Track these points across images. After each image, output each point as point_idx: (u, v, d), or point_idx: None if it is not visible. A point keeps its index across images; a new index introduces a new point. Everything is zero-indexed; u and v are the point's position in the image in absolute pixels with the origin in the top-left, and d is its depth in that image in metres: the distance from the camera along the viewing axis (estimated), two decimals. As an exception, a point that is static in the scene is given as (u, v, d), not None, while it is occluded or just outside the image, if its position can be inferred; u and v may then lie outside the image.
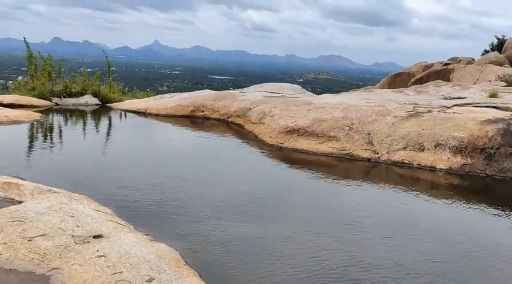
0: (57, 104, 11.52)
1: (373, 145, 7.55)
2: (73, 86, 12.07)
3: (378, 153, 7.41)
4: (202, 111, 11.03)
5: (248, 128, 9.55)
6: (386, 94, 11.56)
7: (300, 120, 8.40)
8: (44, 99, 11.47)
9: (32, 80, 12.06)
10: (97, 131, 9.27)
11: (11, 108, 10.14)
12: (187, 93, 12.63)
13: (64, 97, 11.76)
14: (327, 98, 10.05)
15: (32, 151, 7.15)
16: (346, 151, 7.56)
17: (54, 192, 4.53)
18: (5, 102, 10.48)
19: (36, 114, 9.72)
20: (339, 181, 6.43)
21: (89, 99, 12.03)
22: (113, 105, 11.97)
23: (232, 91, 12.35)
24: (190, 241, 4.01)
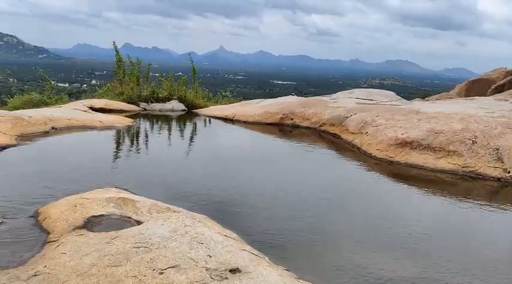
0: (144, 109, 11.39)
1: (503, 162, 6.58)
2: (160, 91, 11.91)
3: (510, 172, 6.45)
4: (292, 119, 10.45)
5: (346, 138, 8.83)
6: (496, 103, 10.40)
7: (412, 131, 7.57)
8: (132, 103, 11.38)
9: (120, 85, 12.02)
10: (192, 139, 8.89)
11: (101, 112, 10.08)
12: (272, 99, 12.11)
13: (151, 102, 11.61)
14: (438, 107, 9.12)
15: (132, 159, 6.87)
16: (470, 169, 6.65)
17: (174, 211, 4.07)
18: (95, 107, 10.44)
19: (129, 119, 9.56)
20: (471, 204, 5.56)
21: (175, 105, 11.81)
22: (199, 111, 11.67)
23: (320, 97, 11.67)
24: (340, 278, 3.39)
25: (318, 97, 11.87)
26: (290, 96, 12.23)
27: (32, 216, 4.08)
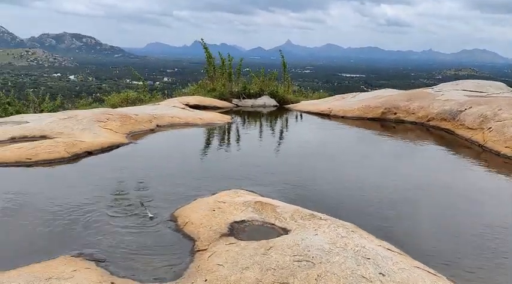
0: (236, 105, 11.20)
1: None
2: (251, 87, 11.67)
3: None
4: (395, 113, 9.78)
5: (462, 134, 8.06)
6: None
7: (549, 126, 6.70)
8: (224, 100, 11.23)
9: (211, 81, 11.93)
10: (298, 137, 8.48)
11: (196, 109, 9.99)
12: (370, 92, 11.48)
13: (243, 98, 11.40)
14: None
15: (245, 157, 6.61)
16: None
17: (321, 219, 3.69)
18: (190, 104, 10.38)
19: (227, 116, 9.38)
20: None
21: (267, 100, 11.53)
22: (292, 106, 11.31)
23: (424, 89, 10.87)
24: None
25: (421, 89, 11.06)
26: (390, 89, 11.50)
27: (169, 220, 3.88)
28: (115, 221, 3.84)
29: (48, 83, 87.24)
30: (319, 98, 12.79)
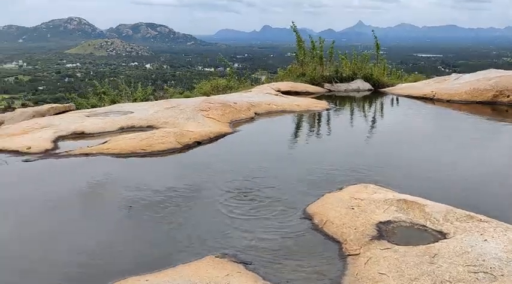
0: (329, 90, 10.76)
1: None
2: (343, 70, 11.16)
3: None
4: (508, 96, 8.89)
5: None
6: None
7: None
8: (315, 85, 10.83)
9: (301, 66, 11.56)
10: (401, 123, 7.92)
11: (288, 95, 9.69)
12: (474, 73, 10.54)
13: (335, 82, 10.94)
14: None
15: (362, 147, 6.21)
16: None
17: (481, 220, 3.25)
18: (282, 90, 10.10)
19: (323, 102, 9.00)
20: None
21: (361, 84, 10.98)
22: (388, 90, 10.67)
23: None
24: None
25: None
26: (495, 70, 10.50)
27: (304, 218, 3.61)
28: (245, 217, 3.64)
29: (126, 72, 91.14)
30: (415, 81, 12.01)
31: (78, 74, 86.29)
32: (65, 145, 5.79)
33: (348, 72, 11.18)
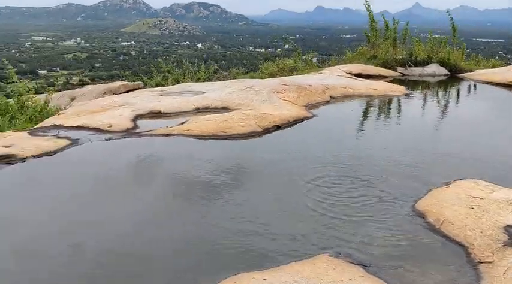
0: (402, 74, 10.21)
1: None
2: (418, 54, 10.54)
3: None
4: None
5: None
6: None
7: None
8: (388, 68, 10.30)
9: (372, 48, 11.02)
10: (491, 113, 7.32)
11: (359, 78, 9.25)
12: None
13: (409, 66, 10.35)
14: None
15: (444, 137, 5.79)
16: None
17: None
18: (353, 72, 9.66)
19: (401, 87, 8.50)
20: None
21: (436, 69, 10.34)
22: (467, 75, 9.98)
23: None
24: None
25: None
26: None
27: (415, 215, 3.29)
28: (347, 211, 3.37)
29: (178, 51, 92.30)
30: (493, 67, 11.21)
31: (133, 52, 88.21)
32: (143, 124, 5.71)
33: (423, 56, 10.54)
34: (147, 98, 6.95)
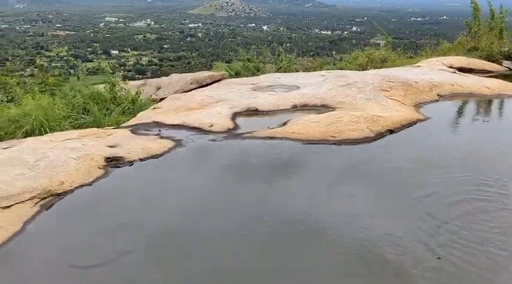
0: (509, 69, 9.23)
1: None
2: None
3: None
4: None
5: None
6: None
7: None
8: (493, 62, 9.35)
9: (472, 39, 10.07)
10: None
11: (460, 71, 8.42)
12: None
13: (518, 59, 9.35)
14: None
15: None
16: None
17: None
18: (455, 66, 8.84)
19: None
20: None
21: (549, 63, 9.26)
22: None
23: None
24: None
25: None
26: None
27: None
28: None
29: (244, 33, 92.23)
30: None
31: (199, 34, 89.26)
32: (242, 123, 5.39)
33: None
34: (241, 93, 6.63)
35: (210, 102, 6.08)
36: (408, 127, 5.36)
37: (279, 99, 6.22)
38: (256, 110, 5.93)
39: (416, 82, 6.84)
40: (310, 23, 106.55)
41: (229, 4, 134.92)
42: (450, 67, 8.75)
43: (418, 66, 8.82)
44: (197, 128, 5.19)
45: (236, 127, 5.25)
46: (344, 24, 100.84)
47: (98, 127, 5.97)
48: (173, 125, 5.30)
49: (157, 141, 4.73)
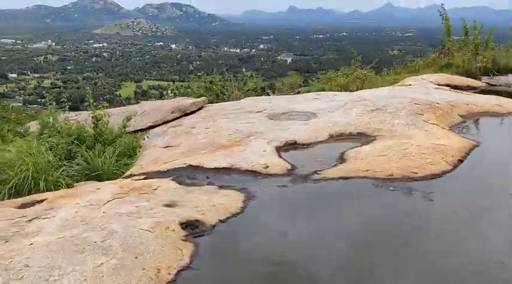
0: (488, 84, 9.36)
1: None
2: (500, 61, 9.73)
3: None
4: None
5: None
6: None
7: None
8: (472, 78, 9.44)
9: (448, 55, 10.15)
10: None
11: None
12: None
13: (494, 74, 9.53)
14: None
15: None
16: None
17: None
18: (441, 83, 8.77)
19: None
20: None
21: (521, 77, 9.55)
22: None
23: None
24: None
25: None
26: None
27: None
28: None
29: (152, 52, 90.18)
30: None
31: (105, 54, 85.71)
32: (295, 161, 4.60)
33: (503, 62, 9.73)
34: (264, 123, 5.83)
35: (242, 137, 5.20)
36: (469, 154, 4.91)
37: (314, 129, 5.53)
38: (295, 143, 5.18)
39: (438, 103, 6.51)
40: (219, 41, 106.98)
41: (135, 23, 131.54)
42: (439, 84, 8.66)
43: (410, 84, 8.60)
44: (250, 171, 4.31)
45: (294, 167, 4.45)
46: (252, 42, 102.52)
47: (98, 178, 4.86)
48: (217, 169, 4.37)
49: (221, 193, 3.79)
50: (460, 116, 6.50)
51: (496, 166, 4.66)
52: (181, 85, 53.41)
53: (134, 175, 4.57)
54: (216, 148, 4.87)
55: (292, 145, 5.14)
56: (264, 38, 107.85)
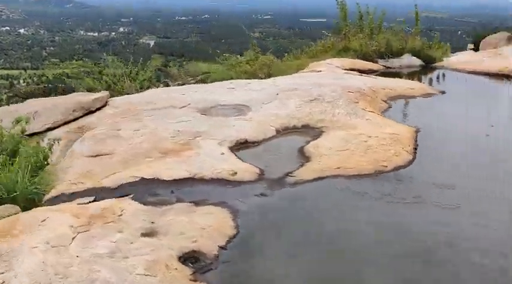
0: (385, 67, 9.83)
1: None
2: (394, 45, 10.24)
3: None
4: None
5: None
6: None
7: None
8: (369, 61, 9.82)
9: (344, 39, 10.41)
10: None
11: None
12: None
13: (389, 57, 10.03)
14: None
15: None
16: None
17: None
18: (346, 68, 8.98)
19: (425, 86, 7.98)
20: None
21: (411, 59, 10.20)
22: (440, 65, 10.01)
23: None
24: None
25: None
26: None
27: None
28: None
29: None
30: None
31: None
32: (257, 164, 4.18)
33: (398, 46, 10.27)
34: (198, 120, 5.26)
35: (188, 139, 4.58)
36: (417, 141, 4.97)
37: (260, 125, 5.13)
38: (246, 142, 4.74)
39: (364, 89, 6.55)
40: (74, 25, 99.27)
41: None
42: (345, 69, 8.83)
43: (320, 70, 8.61)
44: (216, 180, 3.78)
45: (262, 170, 4.02)
46: (110, 24, 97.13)
47: (14, 202, 3.88)
48: (178, 181, 3.75)
49: (200, 211, 3.22)
50: (383, 101, 6.65)
51: (449, 147, 4.77)
52: (35, 74, 48.54)
53: (65, 195, 3.75)
54: (164, 154, 4.22)
55: (244, 144, 4.70)
56: (123, 20, 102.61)
